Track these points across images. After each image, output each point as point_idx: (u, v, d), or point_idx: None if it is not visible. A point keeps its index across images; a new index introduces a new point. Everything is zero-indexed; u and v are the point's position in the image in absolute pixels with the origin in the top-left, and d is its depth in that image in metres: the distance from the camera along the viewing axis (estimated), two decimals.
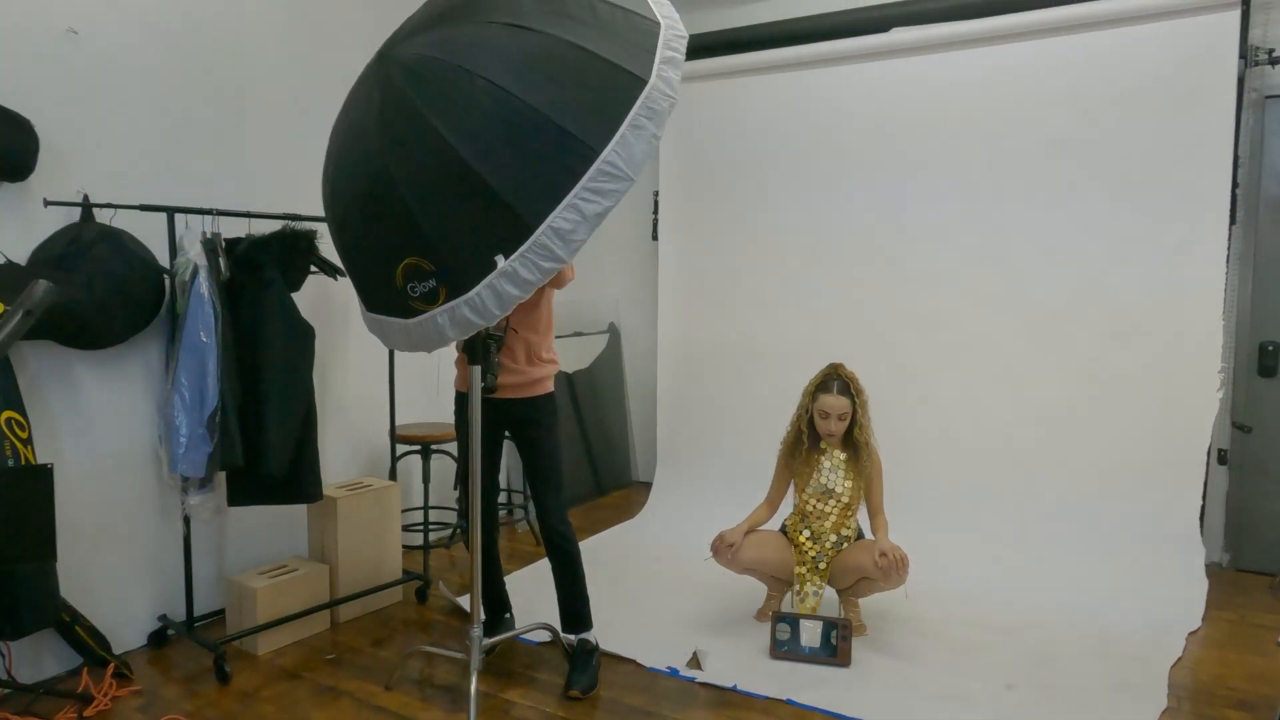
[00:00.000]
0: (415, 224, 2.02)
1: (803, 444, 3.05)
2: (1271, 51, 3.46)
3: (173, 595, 3.03)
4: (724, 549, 2.98)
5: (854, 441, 3.01)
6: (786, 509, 3.18)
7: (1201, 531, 3.49)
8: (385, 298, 2.18)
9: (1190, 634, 3.07)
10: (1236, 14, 3.35)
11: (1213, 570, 3.60)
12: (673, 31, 2.16)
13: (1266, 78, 3.54)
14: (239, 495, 2.90)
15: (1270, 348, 3.62)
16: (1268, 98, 3.56)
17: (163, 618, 3.00)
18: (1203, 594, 3.31)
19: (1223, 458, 3.71)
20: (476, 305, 2.02)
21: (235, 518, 3.24)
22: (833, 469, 3.01)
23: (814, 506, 3.03)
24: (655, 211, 4.88)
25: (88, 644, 2.69)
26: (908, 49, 4.00)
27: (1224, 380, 3.50)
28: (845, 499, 3.00)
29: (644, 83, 2.03)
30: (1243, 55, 3.40)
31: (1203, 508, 3.51)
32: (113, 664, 2.70)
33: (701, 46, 4.57)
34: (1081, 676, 2.75)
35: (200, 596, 3.09)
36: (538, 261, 1.98)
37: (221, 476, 2.88)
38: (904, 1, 4.04)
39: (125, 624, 2.92)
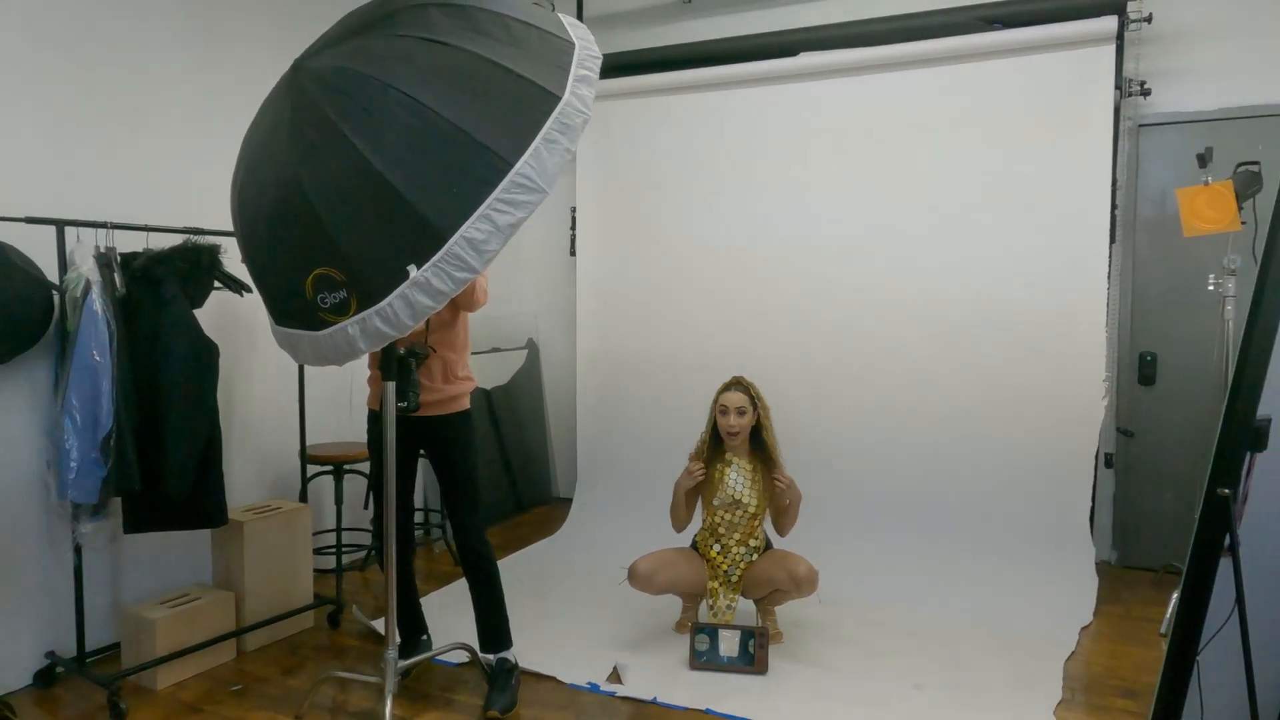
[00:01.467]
0: (326, 234, 1.99)
1: (710, 452, 3.10)
2: (1144, 83, 3.74)
3: (62, 630, 2.85)
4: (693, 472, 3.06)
5: (761, 449, 3.08)
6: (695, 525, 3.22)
7: (1091, 531, 3.70)
8: (295, 310, 2.13)
9: (1083, 628, 3.25)
10: (1111, 48, 3.61)
11: (1102, 567, 3.82)
12: (587, 52, 2.19)
13: (1140, 107, 3.82)
14: (136, 521, 2.76)
15: (1149, 358, 3.89)
16: (1141, 126, 3.85)
17: (50, 654, 2.82)
18: (1093, 590, 3.52)
19: (1109, 461, 3.95)
20: (388, 316, 2.00)
21: (132, 545, 3.08)
22: (739, 478, 3.07)
23: (722, 518, 3.09)
24: (573, 227, 4.90)
25: None
26: (815, 73, 4.15)
27: (1108, 389, 3.74)
28: (752, 509, 3.06)
29: (557, 98, 2.05)
30: (1118, 86, 3.67)
31: (1092, 509, 3.74)
32: None
33: (618, 65, 4.63)
34: (984, 673, 2.87)
35: (93, 630, 2.92)
36: (450, 272, 1.97)
37: (117, 502, 2.74)
38: (811, 28, 4.20)
39: (8, 663, 2.73)
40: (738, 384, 3.10)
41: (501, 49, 2.06)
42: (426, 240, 1.96)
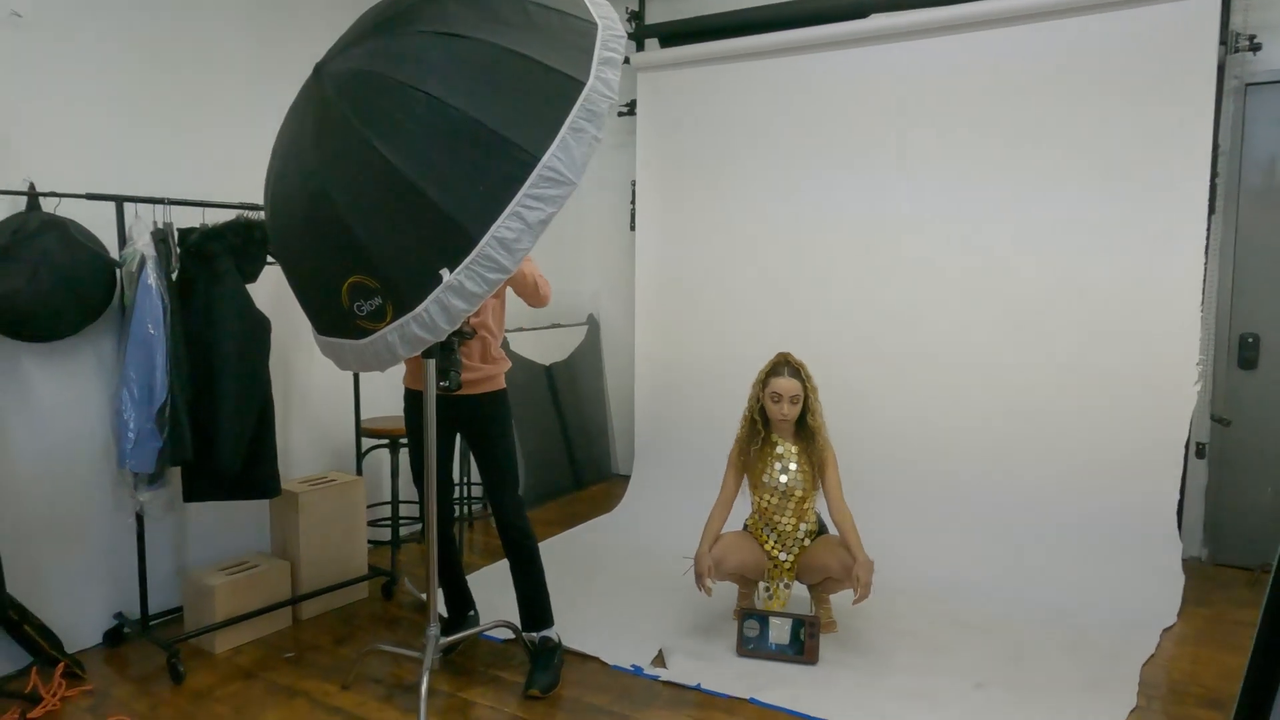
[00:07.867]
0: (357, 242, 1.97)
1: (758, 436, 2.97)
2: (1253, 38, 3.39)
3: (129, 593, 2.96)
4: (705, 577, 2.85)
5: (807, 431, 2.94)
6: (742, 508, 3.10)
7: (1179, 526, 3.43)
8: (333, 319, 2.14)
9: (1165, 630, 3.02)
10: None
11: (1192, 565, 3.56)
12: (610, 32, 2.11)
13: (1248, 64, 3.47)
14: (193, 491, 2.84)
15: (1250, 339, 3.57)
16: (1249, 85, 3.49)
17: (119, 616, 2.95)
18: (1179, 589, 3.26)
19: (1201, 451, 3.66)
20: (425, 321, 1.99)
21: (194, 513, 3.18)
22: (786, 462, 2.94)
23: (769, 501, 2.97)
24: (633, 201, 4.81)
25: (37, 643, 2.63)
26: (887, 35, 3.92)
27: (1202, 373, 3.45)
28: (800, 492, 2.94)
29: (582, 85, 1.98)
30: (1223, 41, 3.33)
31: (1181, 502, 3.46)
32: (63, 663, 2.64)
33: (680, 33, 4.50)
34: (1052, 675, 2.70)
35: (158, 594, 3.03)
36: (483, 273, 1.94)
37: (175, 472, 2.82)
38: None
39: (80, 622, 2.86)
40: (788, 366, 2.94)
41: (521, 36, 2.00)
42: (457, 242, 1.93)
